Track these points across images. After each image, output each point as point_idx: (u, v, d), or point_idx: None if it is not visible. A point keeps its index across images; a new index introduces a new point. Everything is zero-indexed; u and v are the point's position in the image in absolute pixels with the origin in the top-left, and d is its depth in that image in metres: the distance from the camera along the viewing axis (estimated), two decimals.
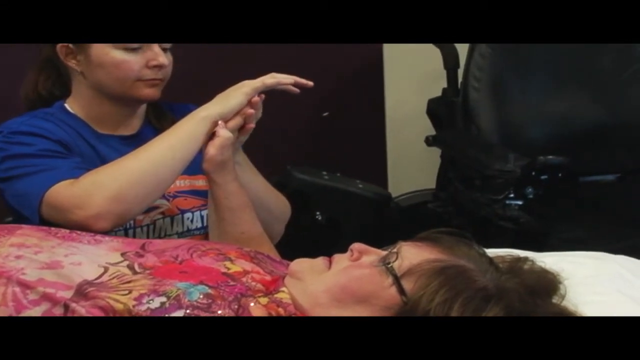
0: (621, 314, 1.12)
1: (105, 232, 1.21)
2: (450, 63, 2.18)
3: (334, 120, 2.43)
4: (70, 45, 1.38)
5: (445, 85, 2.20)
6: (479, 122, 2.07)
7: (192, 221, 1.42)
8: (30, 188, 1.26)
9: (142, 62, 1.36)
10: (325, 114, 2.42)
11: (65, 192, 1.23)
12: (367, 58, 2.38)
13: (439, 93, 2.23)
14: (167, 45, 1.39)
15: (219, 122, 1.27)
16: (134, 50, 1.35)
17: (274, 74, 1.32)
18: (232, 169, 1.31)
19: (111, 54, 1.35)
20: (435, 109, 2.23)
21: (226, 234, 1.33)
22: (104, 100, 1.41)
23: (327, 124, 2.42)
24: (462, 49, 2.15)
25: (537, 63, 2.14)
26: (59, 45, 1.39)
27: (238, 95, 1.29)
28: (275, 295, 1.07)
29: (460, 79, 2.15)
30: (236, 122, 1.30)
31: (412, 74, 2.39)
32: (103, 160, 1.35)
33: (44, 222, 1.25)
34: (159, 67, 1.37)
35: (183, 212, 1.41)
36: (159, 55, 1.36)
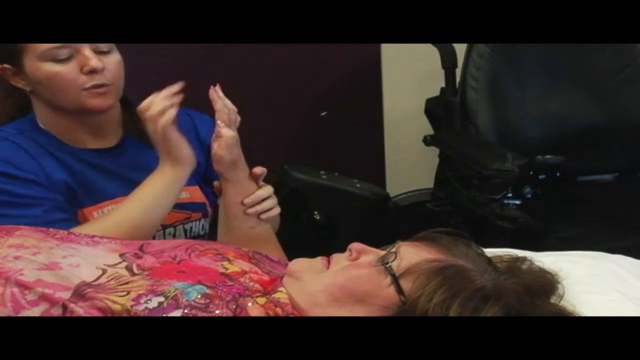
0: (619, 313, 1.12)
1: None
2: (448, 63, 2.18)
3: (332, 119, 2.43)
4: (8, 65, 1.33)
5: (443, 84, 2.20)
6: (476, 121, 2.07)
7: (173, 235, 1.40)
8: None
9: (75, 70, 1.30)
10: (324, 113, 2.41)
11: None
12: (365, 58, 2.38)
13: (437, 93, 2.23)
14: (105, 48, 1.32)
15: (219, 122, 1.25)
16: (63, 60, 1.29)
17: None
18: (244, 166, 1.30)
19: (42, 68, 1.30)
20: (433, 109, 2.23)
21: (236, 229, 1.32)
22: (61, 114, 1.35)
23: (325, 124, 2.42)
24: (460, 48, 2.15)
25: (534, 63, 2.14)
26: (0, 67, 1.34)
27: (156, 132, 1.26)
28: (273, 295, 1.06)
29: (458, 79, 2.15)
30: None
31: (410, 73, 2.39)
32: (76, 177, 1.33)
33: None
34: (94, 71, 1.30)
35: (165, 227, 1.39)
36: (90, 59, 1.29)
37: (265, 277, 1.12)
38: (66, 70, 1.29)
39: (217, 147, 1.25)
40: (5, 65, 1.33)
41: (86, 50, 1.29)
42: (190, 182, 1.38)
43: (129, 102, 1.42)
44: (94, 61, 1.29)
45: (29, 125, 1.37)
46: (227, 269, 1.10)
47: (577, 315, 1.08)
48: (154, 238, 1.36)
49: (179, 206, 1.38)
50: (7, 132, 1.35)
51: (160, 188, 1.27)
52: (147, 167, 1.28)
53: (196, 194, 1.45)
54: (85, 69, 1.29)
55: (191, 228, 1.42)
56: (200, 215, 1.45)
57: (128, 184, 1.32)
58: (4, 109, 1.42)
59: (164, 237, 1.39)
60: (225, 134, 1.25)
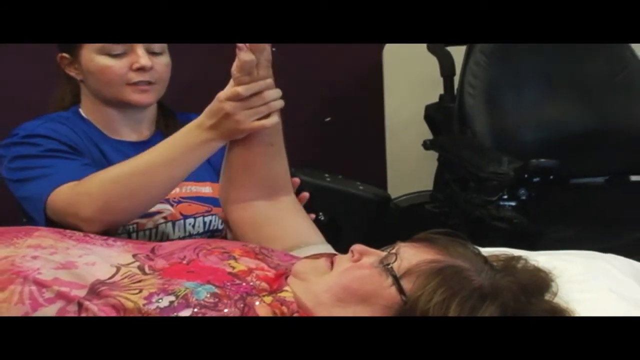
0: (610, 310, 1.12)
1: (108, 234, 1.21)
2: (447, 71, 2.18)
3: (336, 125, 2.43)
4: (66, 55, 1.39)
5: (442, 91, 2.20)
6: (474, 126, 2.07)
7: (193, 226, 1.41)
8: (35, 192, 1.26)
9: (126, 66, 1.34)
10: (328, 119, 2.42)
11: (63, 197, 1.23)
12: (367, 66, 2.39)
13: (436, 99, 2.23)
14: (157, 49, 1.37)
15: (239, 44, 1.11)
16: (117, 55, 1.34)
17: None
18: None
19: (95, 60, 1.35)
20: (433, 115, 2.24)
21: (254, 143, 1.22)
22: (105, 105, 1.40)
23: (329, 129, 2.42)
24: (458, 57, 2.15)
25: (529, 70, 2.14)
26: (58, 56, 1.41)
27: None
28: (279, 294, 1.06)
29: (456, 86, 2.15)
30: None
31: (410, 81, 2.39)
32: (110, 163, 1.33)
33: (49, 222, 1.25)
34: (142, 69, 1.34)
35: (185, 217, 1.40)
36: (141, 57, 1.34)
37: (271, 274, 1.11)
38: (118, 65, 1.34)
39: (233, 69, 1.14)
40: (64, 54, 1.39)
41: (139, 49, 1.34)
42: (214, 179, 1.41)
43: (163, 105, 1.48)
44: (144, 60, 1.34)
45: (72, 115, 1.43)
46: (234, 268, 1.09)
47: (570, 312, 1.08)
48: (173, 226, 1.38)
49: (201, 199, 1.41)
50: (54, 118, 1.40)
51: (198, 158, 1.22)
52: None
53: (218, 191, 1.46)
54: (135, 65, 1.34)
55: (210, 221, 1.42)
56: (220, 210, 1.46)
57: None
58: (62, 94, 1.47)
59: (184, 227, 1.39)
60: (243, 57, 1.11)
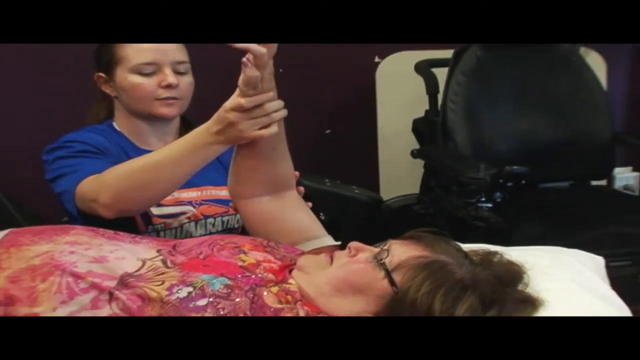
0: (573, 299, 1.10)
1: (137, 231, 1.20)
2: (432, 89, 2.17)
3: (335, 136, 2.42)
4: (102, 74, 1.39)
5: (427, 107, 2.19)
6: (455, 138, 2.05)
7: (213, 225, 1.39)
8: (66, 186, 1.25)
9: (155, 83, 1.35)
10: (328, 131, 2.41)
11: (86, 187, 1.22)
12: (362, 85, 2.37)
13: (422, 114, 2.21)
14: (182, 69, 1.37)
15: (244, 61, 1.05)
16: (148, 74, 1.34)
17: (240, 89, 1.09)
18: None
19: (129, 79, 1.35)
20: (419, 127, 2.22)
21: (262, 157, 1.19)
22: (136, 118, 1.40)
23: (329, 140, 2.41)
24: (442, 77, 2.13)
25: (502, 89, 2.12)
26: (95, 75, 1.41)
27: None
28: (284, 285, 1.05)
29: (439, 103, 2.13)
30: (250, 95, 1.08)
31: (400, 98, 2.38)
32: None
33: (80, 213, 1.25)
34: (169, 86, 1.34)
35: (206, 217, 1.38)
36: (168, 76, 1.34)
37: (276, 266, 1.09)
38: (148, 82, 1.34)
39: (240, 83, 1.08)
40: (100, 74, 1.40)
41: (167, 69, 1.34)
42: None
43: (185, 118, 1.46)
44: (171, 78, 1.34)
45: (107, 127, 1.42)
46: (244, 261, 1.07)
47: (540, 300, 1.06)
48: (196, 225, 1.37)
49: (219, 201, 1.39)
50: (90, 129, 1.40)
51: (202, 159, 1.17)
52: None
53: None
54: (163, 83, 1.34)
55: (228, 220, 1.40)
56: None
57: None
58: (98, 109, 1.47)
59: (205, 226, 1.38)
60: (248, 73, 1.05)
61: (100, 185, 1.19)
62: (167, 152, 1.17)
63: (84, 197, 1.22)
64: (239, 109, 1.08)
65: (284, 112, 1.12)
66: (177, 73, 1.36)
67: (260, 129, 1.10)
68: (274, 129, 1.11)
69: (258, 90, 1.07)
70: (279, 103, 1.11)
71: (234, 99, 1.08)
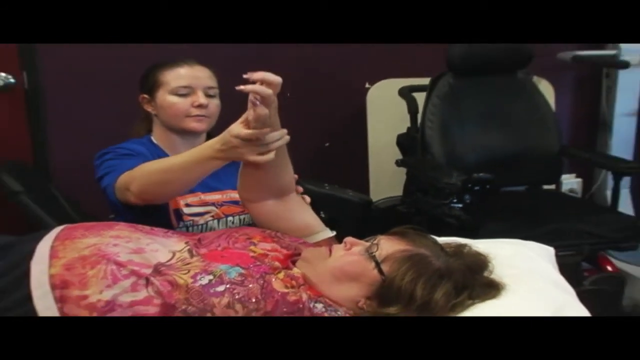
0: (530, 284, 1.10)
1: (170, 227, 1.19)
2: (413, 110, 2.17)
3: (332, 148, 2.42)
4: (146, 95, 1.40)
5: (409, 125, 2.19)
6: (432, 150, 2.05)
7: (232, 222, 1.39)
8: (109, 182, 1.26)
9: (189, 103, 1.36)
10: (327, 144, 2.41)
11: (122, 180, 1.22)
12: (355, 106, 2.37)
13: (404, 130, 2.22)
14: (212, 93, 1.38)
15: (252, 100, 1.01)
16: (183, 95, 1.36)
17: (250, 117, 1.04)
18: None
19: (167, 99, 1.37)
20: (402, 141, 2.22)
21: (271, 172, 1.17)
22: (171, 132, 1.40)
23: (327, 151, 2.41)
24: (421, 100, 2.14)
25: (471, 111, 2.13)
26: (140, 97, 1.41)
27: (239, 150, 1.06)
28: (290, 272, 1.05)
29: (419, 121, 2.13)
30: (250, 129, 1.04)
31: (387, 117, 2.37)
32: None
33: (121, 203, 1.24)
34: (200, 105, 1.35)
35: (227, 216, 1.38)
36: (200, 97, 1.35)
37: (281, 255, 1.08)
38: (182, 102, 1.36)
39: (249, 117, 1.03)
40: (145, 95, 1.41)
41: (199, 91, 1.36)
42: None
43: (211, 135, 1.43)
44: (203, 99, 1.36)
45: (146, 140, 1.42)
46: (255, 252, 1.07)
47: (502, 285, 1.06)
48: (218, 222, 1.36)
49: (238, 202, 1.35)
50: (132, 141, 1.40)
51: (207, 169, 1.14)
52: (215, 174, 1.20)
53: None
54: (195, 103, 1.35)
55: (244, 218, 1.39)
56: None
57: (204, 184, 1.30)
58: (139, 128, 1.46)
59: (226, 224, 1.37)
60: (258, 111, 1.01)
61: (132, 178, 1.19)
62: (180, 160, 1.15)
63: (120, 188, 1.22)
64: (242, 138, 1.04)
65: (285, 140, 1.08)
66: (208, 96, 1.37)
67: (260, 153, 1.06)
68: (271, 156, 1.07)
69: (266, 124, 1.03)
70: (281, 133, 1.07)
71: (238, 127, 1.04)
